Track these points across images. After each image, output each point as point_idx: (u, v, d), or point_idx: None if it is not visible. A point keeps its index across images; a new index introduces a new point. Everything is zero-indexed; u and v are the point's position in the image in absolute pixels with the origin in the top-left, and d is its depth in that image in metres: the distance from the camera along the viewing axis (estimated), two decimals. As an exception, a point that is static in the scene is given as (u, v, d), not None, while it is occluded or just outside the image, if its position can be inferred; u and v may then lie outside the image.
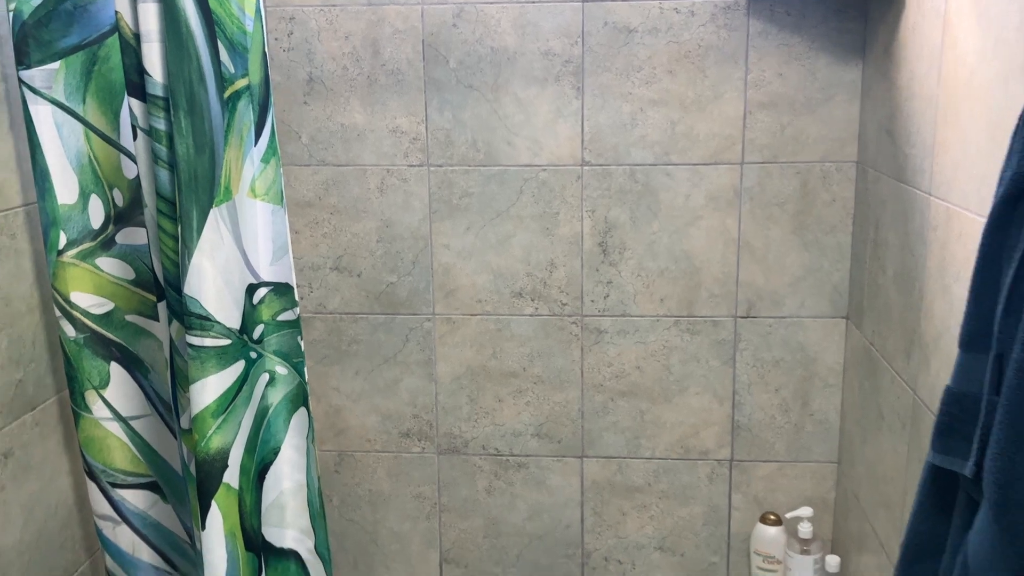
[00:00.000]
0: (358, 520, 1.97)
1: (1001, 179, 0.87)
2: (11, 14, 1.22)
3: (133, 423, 1.40)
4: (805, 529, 1.78)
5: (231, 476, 1.25)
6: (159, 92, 1.19)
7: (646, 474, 1.89)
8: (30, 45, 1.24)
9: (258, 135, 1.25)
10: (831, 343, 1.79)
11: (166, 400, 1.43)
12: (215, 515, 1.25)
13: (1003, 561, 0.82)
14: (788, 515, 1.82)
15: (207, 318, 1.21)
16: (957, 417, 0.92)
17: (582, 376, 1.86)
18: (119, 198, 1.34)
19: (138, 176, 1.31)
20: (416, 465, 1.93)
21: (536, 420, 1.89)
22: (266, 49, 1.22)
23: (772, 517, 1.84)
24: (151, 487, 1.44)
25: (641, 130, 1.74)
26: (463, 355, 1.88)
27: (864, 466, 1.65)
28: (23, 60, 1.24)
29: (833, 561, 1.74)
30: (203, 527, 1.25)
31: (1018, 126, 0.85)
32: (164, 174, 1.21)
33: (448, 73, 1.75)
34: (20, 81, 1.25)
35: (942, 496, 0.98)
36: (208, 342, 1.21)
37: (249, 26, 1.22)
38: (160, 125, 1.19)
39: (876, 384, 1.58)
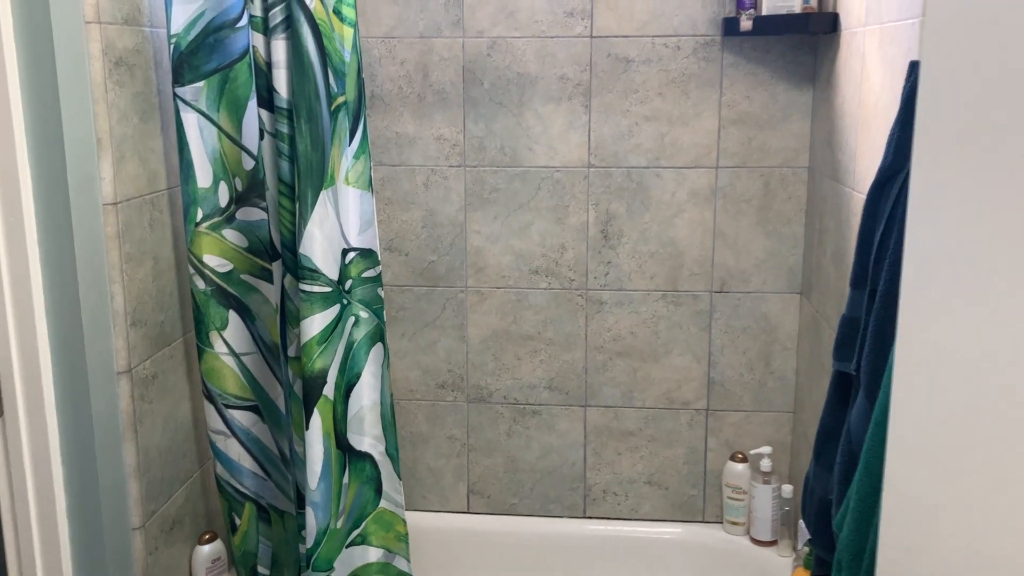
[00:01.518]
0: (401, 457, 2.37)
1: (878, 169, 1.30)
2: (172, 45, 1.66)
3: (243, 358, 1.82)
4: (766, 464, 2.19)
5: (328, 390, 1.67)
6: (284, 105, 1.62)
7: (637, 421, 2.31)
8: (184, 68, 1.67)
9: (351, 137, 1.68)
10: (788, 314, 2.22)
11: (268, 343, 1.85)
12: (316, 419, 1.67)
13: (865, 420, 1.24)
14: (752, 451, 2.23)
15: (316, 271, 1.64)
16: (847, 335, 1.35)
17: (586, 339, 2.28)
18: (239, 184, 1.77)
19: (254, 168, 1.74)
20: (449, 411, 2.35)
21: (548, 375, 2.31)
22: (361, 75, 1.66)
23: (740, 456, 2.25)
24: (254, 409, 1.86)
25: (636, 140, 2.17)
26: (489, 321, 2.29)
27: (813, 412, 2.07)
28: (178, 79, 1.67)
29: (788, 489, 2.16)
30: (307, 428, 1.67)
31: (890, 132, 1.28)
32: (285, 165, 1.64)
33: (482, 92, 2.18)
34: (175, 95, 1.68)
35: (841, 393, 1.40)
36: (316, 289, 1.64)
37: (347, 57, 1.65)
38: (284, 129, 1.63)
39: (820, 344, 2.00)
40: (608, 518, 2.35)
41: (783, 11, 1.95)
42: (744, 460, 2.24)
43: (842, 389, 1.40)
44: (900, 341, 0.84)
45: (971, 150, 0.72)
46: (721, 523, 2.29)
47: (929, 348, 0.79)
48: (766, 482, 2.19)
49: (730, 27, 2.03)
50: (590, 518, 2.35)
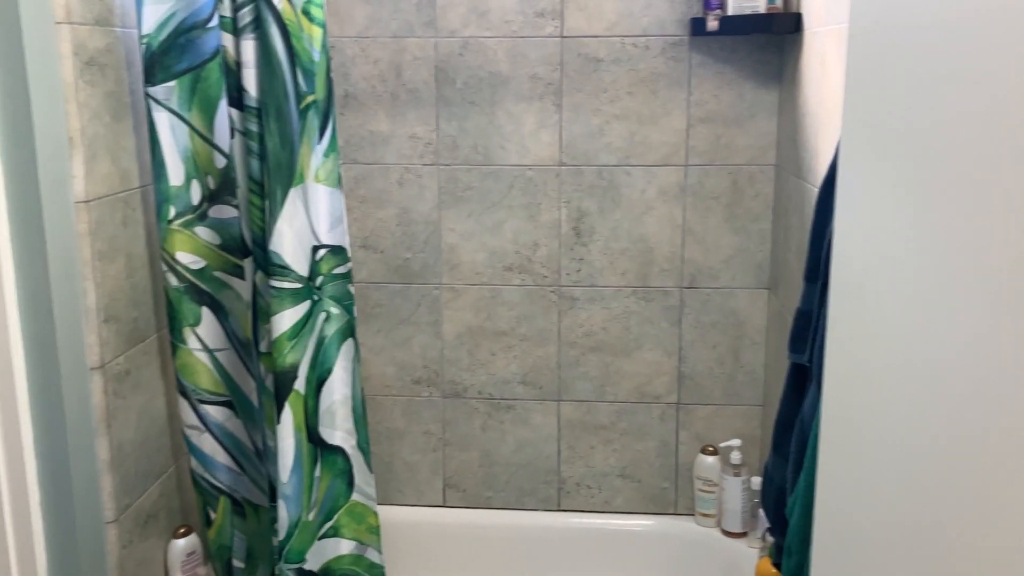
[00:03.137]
0: (377, 452, 2.40)
1: (829, 165, 1.33)
2: (143, 45, 1.68)
3: (217, 354, 1.85)
4: (735, 457, 2.23)
5: (299, 384, 1.70)
6: (253, 104, 1.64)
7: (610, 415, 2.34)
8: (155, 68, 1.69)
9: (321, 135, 1.70)
10: (756, 309, 2.25)
11: (241, 338, 1.87)
12: (287, 413, 1.70)
13: (816, 407, 1.27)
14: (722, 444, 2.27)
15: (286, 267, 1.66)
16: (801, 327, 1.39)
17: (559, 335, 2.31)
18: (211, 182, 1.79)
19: (226, 166, 1.77)
20: (425, 407, 2.38)
21: (522, 370, 2.34)
22: (330, 74, 1.68)
23: (710, 449, 2.29)
24: (227, 404, 1.88)
25: (607, 138, 2.21)
26: (464, 317, 2.32)
27: (779, 403, 2.10)
28: (150, 79, 1.69)
29: (757, 481, 2.20)
30: (278, 422, 1.69)
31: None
32: (255, 163, 1.67)
33: (455, 92, 2.21)
34: (147, 95, 1.70)
35: (797, 384, 1.44)
36: (286, 285, 1.67)
37: (316, 57, 1.68)
38: (253, 127, 1.65)
39: (787, 339, 2.04)
40: (582, 511, 2.38)
41: (748, 11, 1.98)
42: (714, 453, 2.28)
43: (798, 381, 1.43)
44: (830, 332, 0.87)
45: (890, 148, 0.76)
46: (693, 515, 2.33)
47: (856, 339, 0.83)
48: (736, 474, 2.23)
49: (697, 27, 2.07)
50: (564, 511, 2.39)
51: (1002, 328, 0.57)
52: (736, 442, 2.24)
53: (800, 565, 1.18)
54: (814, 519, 0.91)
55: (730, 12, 2.00)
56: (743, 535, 2.22)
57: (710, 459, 2.27)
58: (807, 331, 1.36)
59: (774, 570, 1.61)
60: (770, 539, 1.92)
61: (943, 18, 0.66)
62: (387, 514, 2.33)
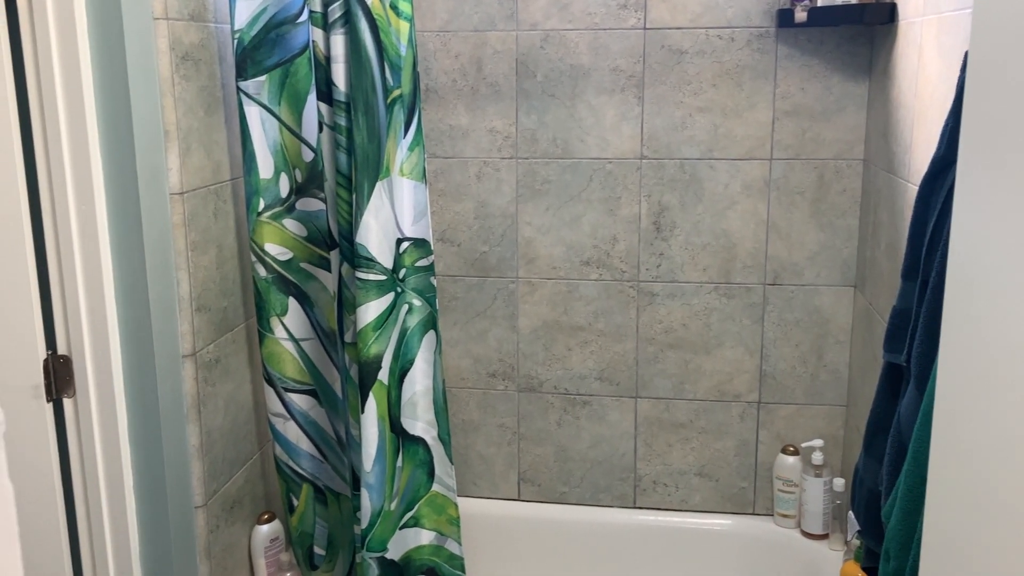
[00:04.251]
0: (453, 444, 2.42)
1: (931, 160, 1.29)
2: (235, 40, 1.71)
3: (302, 343, 1.88)
4: (817, 457, 2.18)
5: (383, 375, 1.72)
6: (342, 98, 1.66)
7: (688, 413, 2.32)
8: (247, 63, 1.72)
9: (406, 130, 1.72)
10: (841, 307, 2.20)
11: (325, 329, 1.90)
12: (371, 403, 1.72)
13: (915, 412, 1.24)
14: (803, 444, 2.22)
15: (371, 259, 1.68)
16: (898, 326, 1.35)
17: (637, 331, 2.29)
18: (299, 175, 1.82)
19: (314, 160, 1.79)
20: (500, 400, 2.38)
21: (599, 366, 2.33)
22: (416, 68, 1.69)
23: (791, 449, 2.24)
24: (312, 393, 1.91)
25: (690, 131, 2.18)
26: (540, 311, 2.32)
27: (865, 406, 2.05)
28: (241, 73, 1.73)
29: (839, 482, 2.15)
30: (362, 411, 1.71)
31: (944, 123, 1.27)
32: (343, 157, 1.69)
33: (535, 85, 2.21)
34: (238, 89, 1.74)
35: (891, 384, 1.40)
36: (371, 277, 1.69)
37: (403, 51, 1.69)
38: (342, 122, 1.67)
39: (874, 337, 1.99)
40: (658, 508, 2.36)
41: (839, 2, 1.93)
42: (795, 453, 2.23)
43: (893, 381, 1.39)
44: (945, 333, 0.84)
45: (1019, 141, 0.73)
46: (771, 516, 2.29)
47: (974, 340, 0.80)
48: (817, 475, 2.18)
49: (784, 18, 2.02)
50: (640, 508, 2.37)
51: None
52: (818, 442, 2.19)
53: (899, 570, 1.15)
54: (924, 525, 0.88)
55: (819, 3, 1.95)
56: (824, 537, 2.17)
57: (791, 459, 2.23)
58: (905, 330, 1.32)
59: (862, 574, 1.57)
60: (858, 542, 1.88)
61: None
62: (462, 505, 2.34)
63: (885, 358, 1.38)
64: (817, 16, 1.95)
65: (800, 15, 1.98)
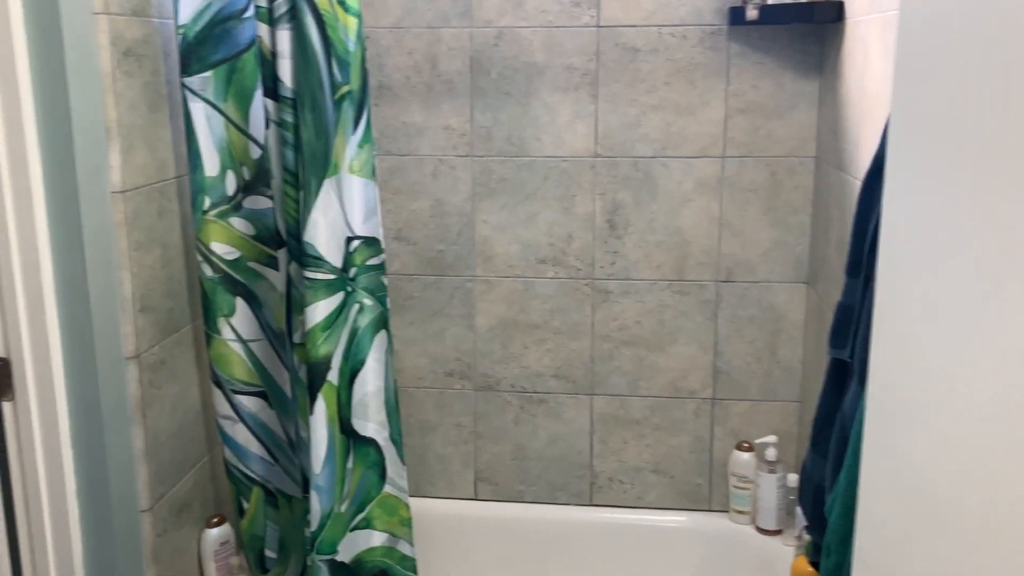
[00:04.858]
0: (409, 445, 2.40)
1: (873, 156, 1.30)
2: (180, 36, 1.68)
3: (251, 344, 1.85)
4: (771, 453, 2.20)
5: (332, 375, 1.70)
6: (288, 94, 1.64)
7: (644, 409, 2.32)
8: (192, 59, 1.69)
9: (356, 126, 1.70)
10: (794, 303, 2.22)
11: (275, 329, 1.87)
12: (320, 404, 1.69)
13: (858, 404, 1.24)
14: (757, 441, 2.24)
15: (320, 258, 1.66)
16: (842, 322, 1.35)
17: (592, 328, 2.29)
18: (246, 173, 1.79)
19: (261, 157, 1.77)
20: (457, 399, 2.37)
21: (555, 364, 2.32)
22: (365, 64, 1.67)
23: (746, 445, 2.25)
24: (261, 395, 1.89)
25: (643, 129, 2.18)
26: (497, 310, 2.31)
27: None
28: (186, 69, 1.70)
29: (793, 478, 2.16)
30: (311, 413, 1.69)
31: (887, 120, 1.28)
32: (290, 154, 1.67)
33: (490, 82, 2.19)
34: (183, 85, 1.71)
35: (837, 380, 1.41)
36: (320, 276, 1.67)
37: (352, 47, 1.67)
38: (289, 118, 1.65)
39: (826, 334, 2.00)
40: (614, 506, 2.36)
41: (789, 0, 1.94)
42: (750, 449, 2.24)
43: (838, 376, 1.40)
44: (876, 328, 0.84)
45: (942, 139, 0.73)
46: (727, 512, 2.30)
47: (903, 335, 0.80)
48: (771, 471, 2.19)
49: (736, 16, 2.03)
50: (596, 506, 2.37)
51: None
52: (772, 439, 2.20)
53: (839, 565, 1.15)
54: (856, 518, 0.88)
55: (770, 1, 1.96)
56: (778, 533, 2.19)
57: (745, 455, 2.24)
58: (849, 326, 1.33)
59: (811, 569, 1.58)
60: (807, 537, 1.89)
61: (1000, 1, 0.63)
62: (418, 506, 2.33)
63: (830, 354, 1.39)
64: (768, 14, 1.96)
65: (751, 13, 1.98)
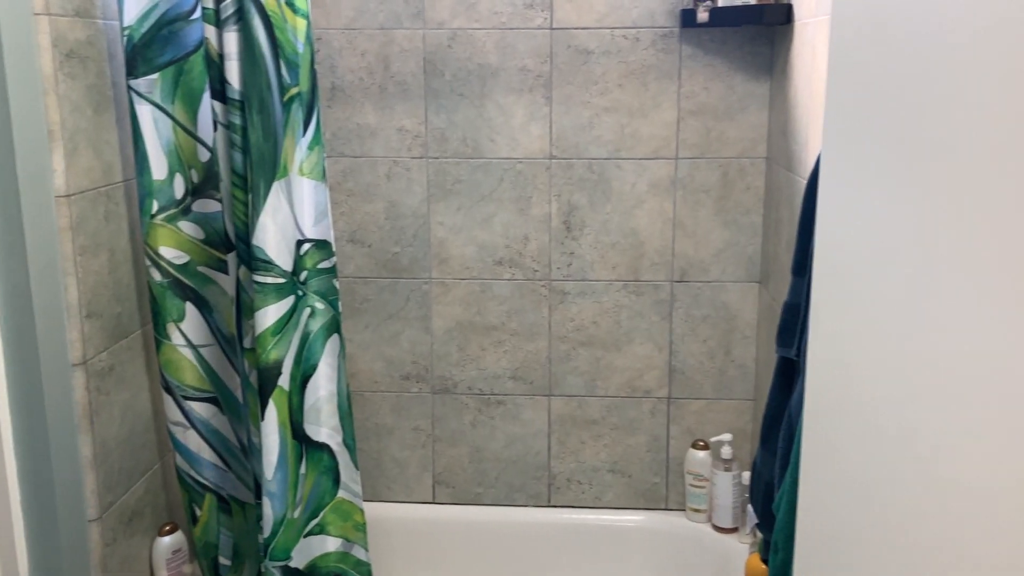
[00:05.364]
0: (365, 449, 2.39)
1: (817, 157, 1.32)
2: (125, 37, 1.66)
3: (201, 350, 1.83)
4: (726, 451, 2.21)
5: (283, 380, 1.68)
6: (236, 96, 1.62)
7: (601, 409, 2.33)
8: (137, 61, 1.67)
9: (305, 129, 1.68)
10: (747, 302, 2.24)
11: (226, 334, 1.85)
12: (271, 409, 1.68)
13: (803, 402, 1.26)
14: (712, 439, 2.25)
15: (269, 262, 1.64)
16: (789, 321, 1.37)
17: (550, 329, 2.30)
18: (195, 176, 1.77)
19: (210, 159, 1.75)
20: (414, 403, 2.36)
21: (512, 365, 2.32)
22: (314, 66, 1.66)
23: (701, 444, 2.27)
24: (212, 401, 1.86)
25: (597, 131, 2.19)
26: (453, 312, 2.31)
27: (770, 398, 2.09)
28: (132, 71, 1.67)
29: (747, 475, 2.19)
30: (262, 418, 1.68)
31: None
32: (238, 156, 1.65)
33: (444, 84, 2.19)
34: (129, 87, 1.68)
35: (785, 378, 1.42)
36: (269, 280, 1.65)
37: (300, 48, 1.65)
38: (237, 120, 1.63)
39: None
40: (572, 506, 2.37)
41: (739, 2, 1.96)
42: (705, 448, 2.26)
43: (786, 375, 1.42)
44: (813, 326, 0.85)
45: (873, 139, 0.74)
46: (683, 510, 2.32)
47: (839, 333, 0.81)
48: (727, 469, 2.21)
49: (687, 19, 2.05)
50: (554, 507, 2.37)
51: (987, 320, 0.56)
52: (727, 437, 2.22)
53: (786, 562, 1.16)
54: (797, 517, 0.89)
55: (720, 3, 1.98)
56: (734, 530, 2.21)
57: (701, 454, 2.26)
58: (795, 325, 1.35)
59: (763, 566, 1.60)
60: (759, 535, 1.91)
61: (927, 7, 0.64)
62: (376, 511, 2.32)
63: (777, 352, 1.40)
64: (718, 16, 1.98)
65: (702, 15, 2.00)
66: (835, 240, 0.81)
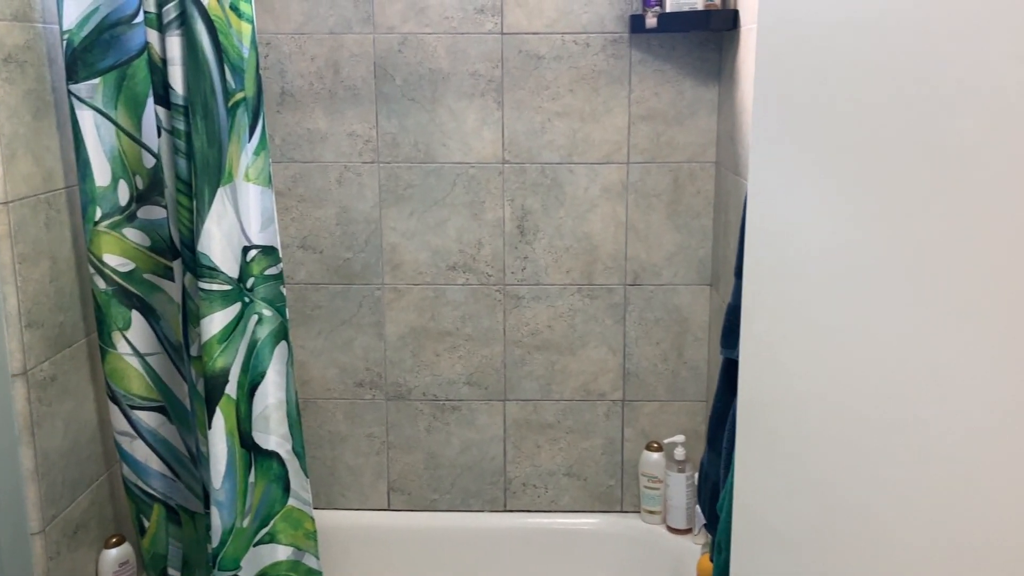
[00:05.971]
0: (319, 456, 2.37)
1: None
2: (64, 41, 1.63)
3: (148, 358, 1.80)
4: (679, 453, 2.23)
5: (231, 388, 1.66)
6: (180, 102, 1.60)
7: (556, 413, 2.33)
8: (78, 65, 1.64)
9: (251, 134, 1.67)
10: (699, 305, 2.26)
11: (173, 342, 1.83)
12: (219, 418, 1.66)
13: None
14: (666, 441, 2.27)
15: (215, 269, 1.62)
16: (732, 322, 1.38)
17: (504, 334, 2.30)
18: (140, 182, 1.75)
19: (155, 165, 1.72)
20: (368, 409, 2.35)
21: (467, 370, 2.32)
22: (259, 71, 1.65)
23: (655, 445, 2.29)
24: (160, 410, 1.84)
25: (549, 136, 2.19)
26: (407, 318, 2.30)
27: (722, 399, 2.11)
28: (72, 76, 1.65)
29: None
30: (210, 427, 1.65)
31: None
32: (182, 162, 1.63)
33: (395, 89, 2.18)
34: (69, 92, 1.65)
35: (729, 379, 1.44)
36: (215, 287, 1.63)
37: (246, 53, 1.64)
38: (181, 126, 1.61)
39: (727, 332, 2.04)
40: (528, 511, 2.37)
41: (686, 8, 1.98)
42: (659, 449, 2.27)
43: (731, 376, 1.43)
44: (744, 326, 0.86)
45: (799, 141, 0.75)
46: (639, 512, 2.33)
47: (767, 333, 0.82)
48: (680, 470, 2.23)
49: (636, 24, 2.06)
50: (511, 511, 2.37)
51: (915, 317, 0.57)
52: (680, 438, 2.24)
53: (729, 561, 1.17)
54: (732, 515, 0.90)
55: (668, 9, 2.00)
56: (688, 531, 2.22)
57: (655, 455, 2.27)
58: (738, 326, 1.36)
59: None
60: (708, 535, 1.92)
61: (845, 11, 0.65)
62: (331, 518, 2.30)
63: (722, 354, 1.41)
64: (667, 22, 2.00)
65: (651, 21, 2.02)
66: (763, 241, 0.82)
